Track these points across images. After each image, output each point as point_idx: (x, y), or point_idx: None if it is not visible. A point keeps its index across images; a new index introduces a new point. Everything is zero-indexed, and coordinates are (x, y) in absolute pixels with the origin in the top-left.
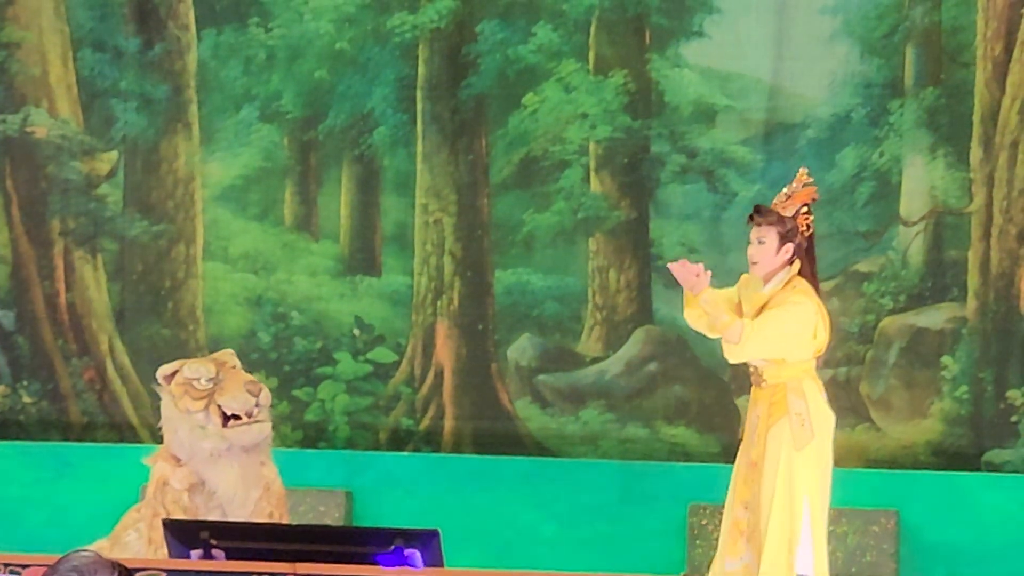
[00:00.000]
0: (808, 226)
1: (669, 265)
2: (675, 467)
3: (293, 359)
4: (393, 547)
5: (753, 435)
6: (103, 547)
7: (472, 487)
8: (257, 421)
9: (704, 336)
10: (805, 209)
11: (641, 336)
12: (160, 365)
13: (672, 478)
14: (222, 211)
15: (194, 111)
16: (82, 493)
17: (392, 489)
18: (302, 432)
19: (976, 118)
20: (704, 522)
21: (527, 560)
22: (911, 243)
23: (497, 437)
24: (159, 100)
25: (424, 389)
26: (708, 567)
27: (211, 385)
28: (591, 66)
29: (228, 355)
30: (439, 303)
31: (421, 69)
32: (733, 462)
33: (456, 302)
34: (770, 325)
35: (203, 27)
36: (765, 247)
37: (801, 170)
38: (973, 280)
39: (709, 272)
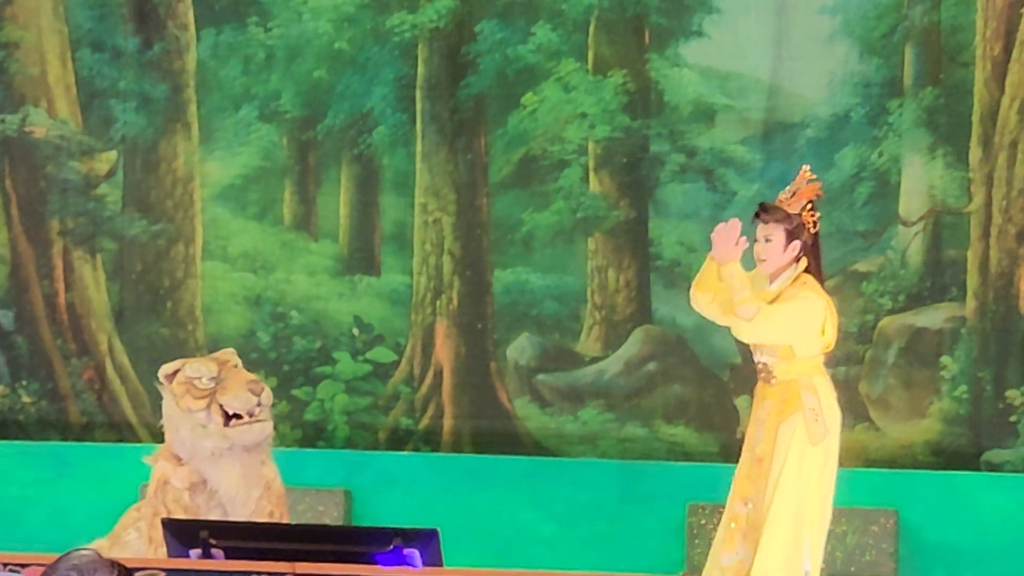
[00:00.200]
0: (814, 223)
1: (718, 227)
2: (674, 467)
3: (292, 358)
4: (392, 546)
5: (759, 431)
6: (103, 546)
7: (471, 486)
8: (259, 420)
9: (703, 336)
10: (810, 206)
11: (640, 336)
12: (159, 365)
13: (671, 478)
14: (221, 211)
15: (193, 111)
16: (82, 493)
17: (391, 488)
18: (301, 431)
19: (975, 118)
20: (703, 521)
21: (526, 560)
22: (910, 243)
23: (496, 436)
24: (158, 100)
25: (423, 388)
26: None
27: (213, 384)
28: (590, 66)
29: (230, 354)
30: (438, 302)
31: (420, 69)
32: (732, 461)
33: (455, 301)
34: (782, 313)
35: (202, 27)
36: (772, 244)
37: (804, 167)
38: (972, 280)
39: (746, 244)
